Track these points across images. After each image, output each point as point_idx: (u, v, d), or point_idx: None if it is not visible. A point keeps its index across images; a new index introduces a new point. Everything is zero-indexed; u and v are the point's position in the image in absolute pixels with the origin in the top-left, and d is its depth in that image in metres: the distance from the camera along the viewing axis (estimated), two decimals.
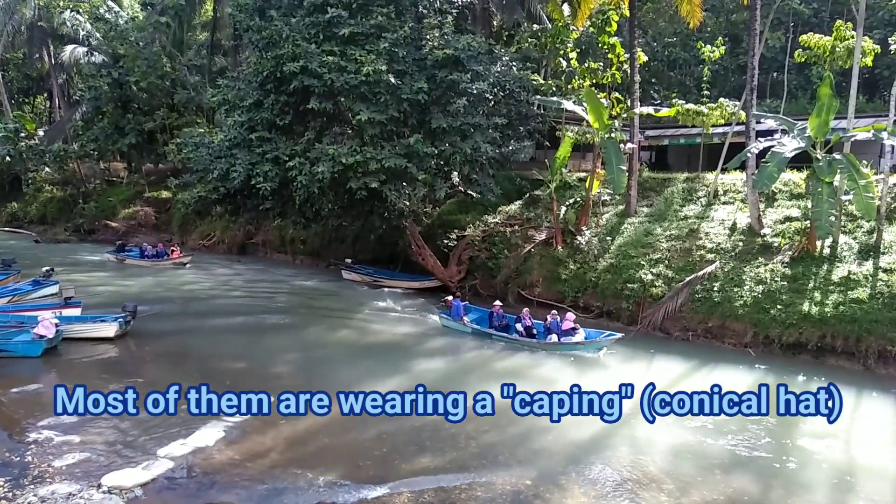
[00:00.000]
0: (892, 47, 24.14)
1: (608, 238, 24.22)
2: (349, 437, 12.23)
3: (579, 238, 24.05)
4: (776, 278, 19.57)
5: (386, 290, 27.08)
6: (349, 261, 30.24)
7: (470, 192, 25.59)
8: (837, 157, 19.21)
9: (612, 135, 23.60)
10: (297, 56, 21.30)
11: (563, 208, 25.63)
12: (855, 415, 14.23)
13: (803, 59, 25.62)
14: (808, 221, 20.25)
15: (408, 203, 22.99)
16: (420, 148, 21.54)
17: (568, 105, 24.70)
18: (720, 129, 28.91)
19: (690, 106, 27.20)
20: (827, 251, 20.10)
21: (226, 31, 48.59)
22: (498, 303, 20.93)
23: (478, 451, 11.69)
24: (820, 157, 19.20)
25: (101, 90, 41.94)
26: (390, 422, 12.86)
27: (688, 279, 20.75)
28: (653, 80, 43.64)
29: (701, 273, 20.78)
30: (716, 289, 20.13)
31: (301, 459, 11.18)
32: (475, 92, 22.33)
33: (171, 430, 11.98)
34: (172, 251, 33.28)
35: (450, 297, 21.98)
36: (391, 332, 20.86)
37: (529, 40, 29.58)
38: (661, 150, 38.37)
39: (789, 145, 19.44)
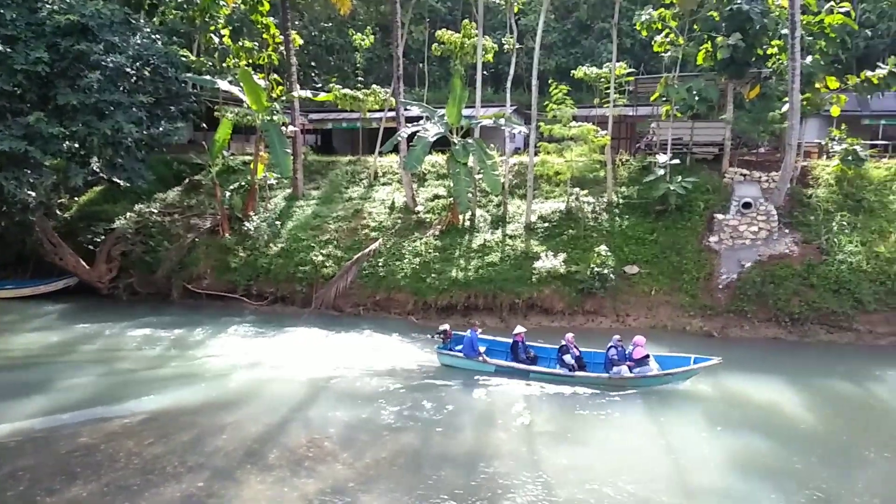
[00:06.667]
0: (506, 47, 28.71)
1: (278, 222, 24.01)
2: None
3: (247, 224, 23.32)
4: (429, 250, 21.82)
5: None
6: None
7: (116, 178, 22.61)
8: (470, 141, 22.15)
9: (274, 117, 23.31)
10: None
11: (228, 194, 24.51)
12: None
13: (440, 53, 28.74)
14: (452, 198, 22.99)
15: (33, 194, 19.33)
16: (44, 128, 18.34)
17: (223, 85, 23.59)
18: (376, 115, 30.85)
19: (347, 91, 28.38)
20: (468, 223, 23.14)
21: None
22: (520, 328, 15.77)
23: (142, 466, 10.61)
24: (456, 142, 21.90)
25: None
26: (29, 455, 10.94)
27: (355, 257, 21.83)
28: (312, 64, 44.35)
29: (367, 251, 22.05)
30: (381, 264, 21.59)
31: None
32: (111, 65, 19.81)
33: None
34: None
35: (447, 326, 16.31)
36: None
37: (175, 12, 27.19)
38: (327, 133, 39.45)
39: (432, 130, 21.73)
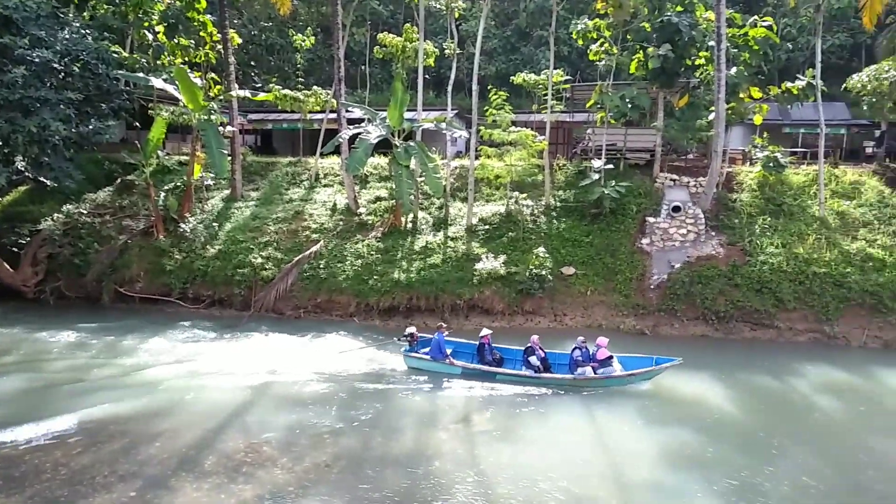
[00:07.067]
0: (447, 51, 29.00)
1: (215, 224, 23.53)
2: None
3: (183, 225, 22.76)
4: (372, 252, 21.81)
5: None
6: None
7: (42, 178, 21.61)
8: (412, 144, 22.27)
9: (211, 117, 22.80)
10: None
11: (163, 194, 23.82)
12: None
13: (381, 56, 28.76)
14: (394, 200, 23.05)
15: None
16: None
17: (157, 83, 22.93)
18: (318, 116, 30.58)
19: (288, 92, 28.02)
20: (410, 226, 23.24)
21: None
22: (487, 330, 15.92)
23: (69, 477, 10.24)
24: (398, 144, 21.98)
25: None
26: None
27: (296, 259, 21.60)
28: (252, 64, 43.57)
29: (307, 253, 21.86)
30: (322, 266, 21.43)
31: None
32: (37, 60, 18.97)
33: None
34: None
35: (413, 329, 16.34)
36: None
37: (106, 7, 26.19)
38: (267, 133, 38.80)
39: (373, 133, 21.76)
